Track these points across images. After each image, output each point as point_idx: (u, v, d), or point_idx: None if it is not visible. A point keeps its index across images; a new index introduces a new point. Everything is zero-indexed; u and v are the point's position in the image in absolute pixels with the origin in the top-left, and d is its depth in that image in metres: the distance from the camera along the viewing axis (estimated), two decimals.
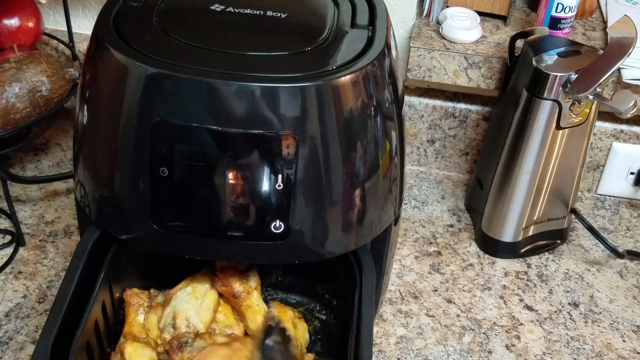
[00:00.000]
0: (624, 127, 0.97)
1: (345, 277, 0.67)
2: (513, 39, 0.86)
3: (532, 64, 0.79)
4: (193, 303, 0.68)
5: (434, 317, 0.82)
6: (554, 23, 0.89)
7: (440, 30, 0.93)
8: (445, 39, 0.93)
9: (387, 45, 0.61)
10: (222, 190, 0.57)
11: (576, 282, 0.88)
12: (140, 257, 0.71)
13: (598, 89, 0.76)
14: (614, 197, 1.02)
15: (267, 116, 0.55)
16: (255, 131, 0.55)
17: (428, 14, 0.97)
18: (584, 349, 0.80)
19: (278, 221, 0.59)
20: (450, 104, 1.00)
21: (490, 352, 0.79)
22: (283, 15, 0.64)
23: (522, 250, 0.91)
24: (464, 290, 0.86)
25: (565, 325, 0.82)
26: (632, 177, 0.99)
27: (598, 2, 1.01)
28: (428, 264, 0.89)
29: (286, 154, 0.56)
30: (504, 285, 0.87)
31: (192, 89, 0.54)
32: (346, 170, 0.59)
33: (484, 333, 0.81)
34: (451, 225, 0.95)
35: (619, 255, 0.89)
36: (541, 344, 0.80)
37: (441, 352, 0.78)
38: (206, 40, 0.59)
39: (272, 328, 0.66)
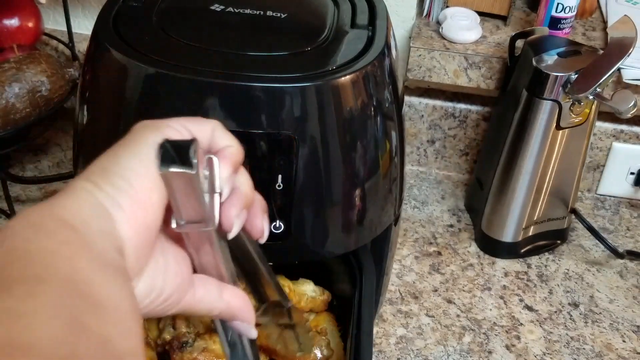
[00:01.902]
0: (624, 127, 0.96)
1: (345, 277, 0.67)
2: (513, 39, 0.86)
3: (532, 64, 0.79)
4: None
5: (434, 317, 0.82)
6: (554, 23, 0.88)
7: (440, 30, 0.93)
8: (445, 39, 0.93)
9: (387, 45, 0.61)
10: None
11: (576, 282, 0.88)
12: None
13: (598, 89, 0.76)
14: (614, 197, 1.02)
15: (266, 116, 0.55)
16: (255, 131, 0.55)
17: (428, 14, 0.97)
18: (584, 349, 0.80)
19: (278, 221, 0.59)
20: (450, 104, 0.99)
21: (490, 352, 0.78)
22: (283, 15, 0.63)
23: (522, 251, 0.91)
24: (464, 291, 0.86)
25: (565, 326, 0.82)
26: (632, 177, 0.99)
27: (598, 2, 1.01)
28: (428, 264, 0.89)
29: (286, 154, 0.56)
30: (504, 286, 0.87)
31: (191, 89, 0.54)
32: (346, 170, 0.59)
33: (484, 333, 0.81)
34: (451, 225, 0.95)
35: (619, 256, 0.89)
36: (541, 344, 0.80)
37: (441, 352, 0.78)
38: (206, 40, 0.59)
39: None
